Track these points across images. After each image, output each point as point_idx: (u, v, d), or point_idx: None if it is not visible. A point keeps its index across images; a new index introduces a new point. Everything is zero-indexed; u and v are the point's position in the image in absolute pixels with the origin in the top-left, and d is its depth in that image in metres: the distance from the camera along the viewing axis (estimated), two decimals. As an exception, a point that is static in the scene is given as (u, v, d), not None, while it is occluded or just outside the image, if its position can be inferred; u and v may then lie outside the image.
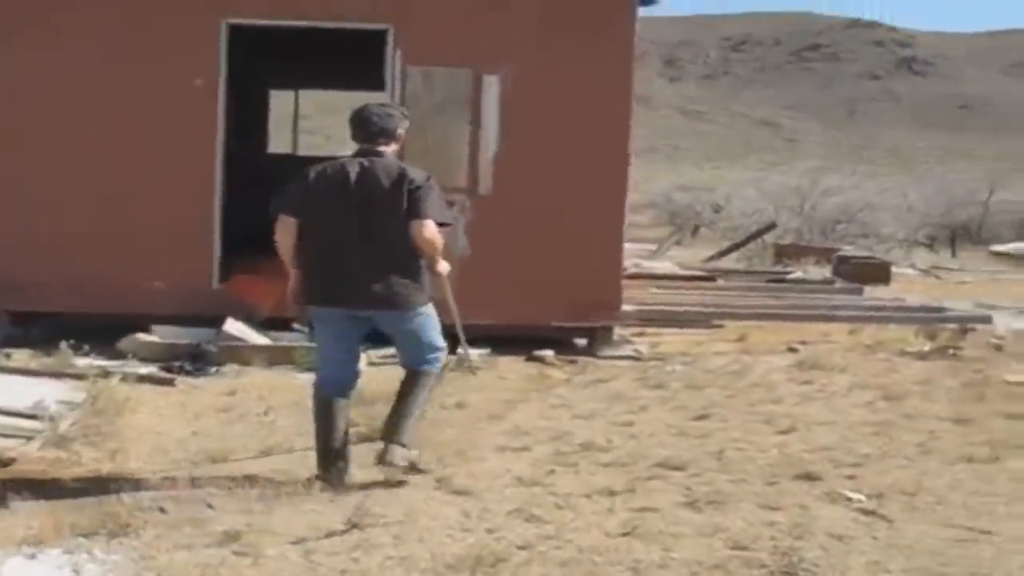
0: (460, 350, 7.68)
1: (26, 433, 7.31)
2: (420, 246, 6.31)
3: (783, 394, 8.98)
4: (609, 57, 10.81)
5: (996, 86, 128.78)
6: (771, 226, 23.20)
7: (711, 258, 20.95)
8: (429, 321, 6.51)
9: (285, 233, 6.35)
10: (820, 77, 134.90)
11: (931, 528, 5.80)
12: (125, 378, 8.99)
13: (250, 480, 6.36)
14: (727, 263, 20.12)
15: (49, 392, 8.37)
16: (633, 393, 9.08)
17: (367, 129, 6.40)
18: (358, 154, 6.38)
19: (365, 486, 6.26)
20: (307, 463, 6.63)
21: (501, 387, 9.18)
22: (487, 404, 8.51)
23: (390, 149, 6.47)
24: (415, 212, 6.25)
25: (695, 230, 28.31)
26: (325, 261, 6.32)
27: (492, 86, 10.68)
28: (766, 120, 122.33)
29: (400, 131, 6.53)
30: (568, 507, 6.05)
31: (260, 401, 8.44)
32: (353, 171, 6.28)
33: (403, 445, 6.34)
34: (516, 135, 10.72)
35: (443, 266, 6.57)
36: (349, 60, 13.73)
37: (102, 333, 10.29)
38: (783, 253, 20.95)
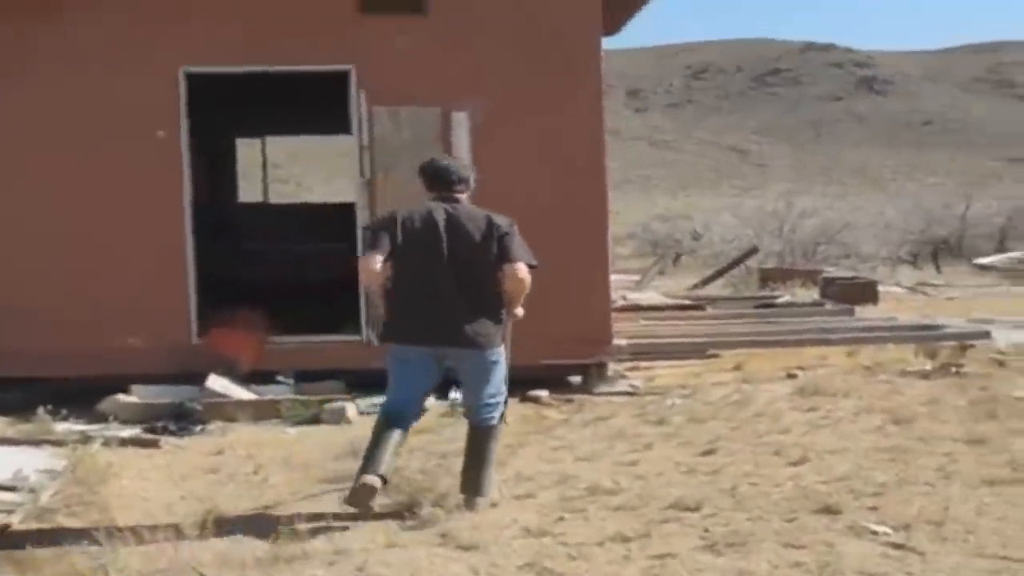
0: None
1: (5, 507, 6.97)
2: (511, 288, 6.72)
3: (789, 423, 8.68)
4: (579, 89, 10.57)
5: (955, 101, 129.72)
6: (753, 251, 23.00)
7: (696, 286, 20.72)
8: (502, 364, 6.92)
9: (371, 271, 6.57)
10: (783, 101, 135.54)
11: (965, 559, 5.52)
12: (107, 442, 8.68)
13: (243, 544, 6.04)
14: (713, 290, 19.90)
15: (28, 461, 8.04)
16: (634, 430, 8.78)
17: (447, 178, 6.84)
18: (439, 200, 6.77)
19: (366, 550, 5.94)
20: (302, 522, 6.32)
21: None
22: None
23: (465, 196, 6.89)
24: (507, 256, 6.65)
25: (676, 258, 28.12)
26: (415, 302, 6.65)
27: (461, 123, 10.40)
28: (734, 146, 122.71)
29: (473, 180, 7.01)
30: (581, 557, 5.74)
31: (249, 459, 8.09)
32: (440, 216, 6.66)
33: (484, 496, 6.68)
34: (490, 172, 10.34)
35: (520, 310, 6.95)
36: (315, 104, 13.49)
37: (82, 396, 9.97)
38: (768, 277, 20.74)
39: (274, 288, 12.56)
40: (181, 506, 6.96)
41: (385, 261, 6.59)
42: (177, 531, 6.43)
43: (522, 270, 6.67)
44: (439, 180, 6.85)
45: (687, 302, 14.83)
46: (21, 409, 9.91)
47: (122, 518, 6.71)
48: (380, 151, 10.25)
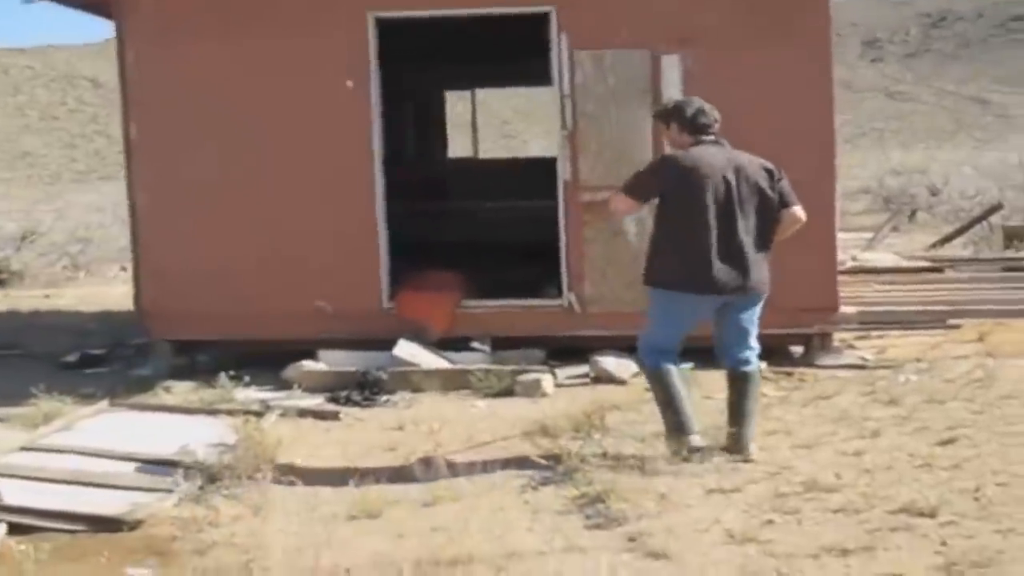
0: None
1: (164, 486, 6.48)
2: (789, 232, 6.87)
3: (1043, 407, 7.55)
4: (804, 25, 9.43)
5: None
6: (997, 207, 21.20)
7: (934, 245, 19.19)
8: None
9: (615, 213, 7.24)
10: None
11: None
12: (285, 413, 8.14)
13: (401, 543, 5.37)
14: (952, 250, 18.40)
15: (200, 432, 7.59)
16: (861, 412, 7.77)
17: (710, 118, 6.78)
18: (706, 143, 6.72)
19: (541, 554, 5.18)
20: (476, 517, 5.62)
21: (707, 408, 7.96)
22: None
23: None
24: (788, 201, 6.80)
25: (912, 215, 26.30)
26: (703, 249, 6.52)
27: (673, 68, 9.44)
28: (974, 96, 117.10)
29: None
30: (792, 572, 4.86)
31: (430, 437, 7.41)
32: (722, 161, 6.64)
33: (753, 441, 6.71)
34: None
35: None
36: (523, 53, 12.75)
37: (271, 360, 9.52)
38: (1014, 235, 19.03)
39: (474, 248, 11.88)
40: (348, 493, 6.31)
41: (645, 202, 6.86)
42: (340, 522, 5.83)
43: (802, 213, 6.85)
44: (700, 122, 6.76)
45: (924, 264, 13.52)
46: (210, 372, 9.52)
47: (283, 505, 6.13)
48: (583, 99, 9.41)
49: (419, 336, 9.42)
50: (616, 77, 9.42)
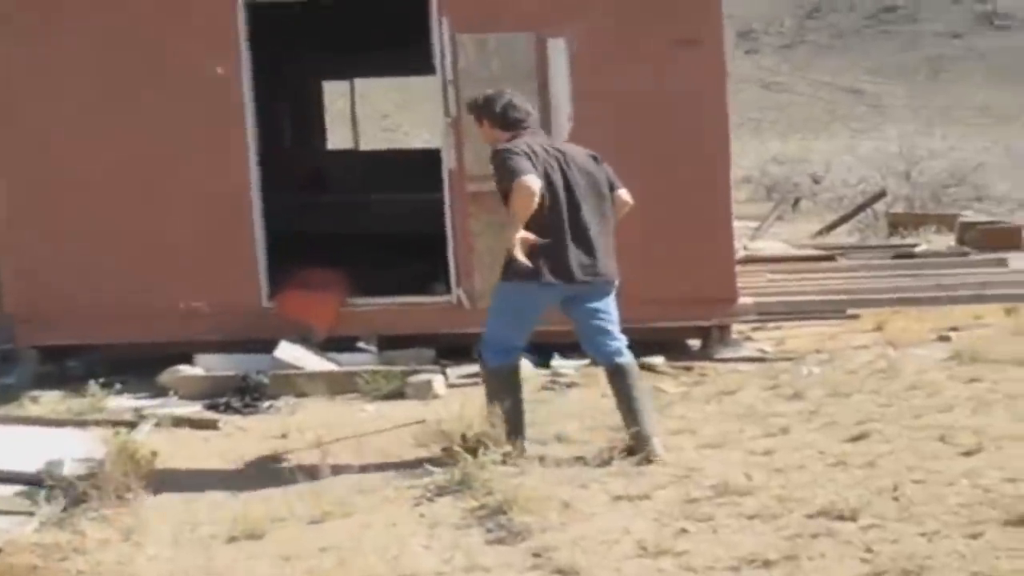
0: None
1: (27, 508, 5.95)
2: (621, 213, 6.70)
3: (950, 399, 7.32)
4: (698, 13, 9.15)
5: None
6: (881, 194, 21.27)
7: (820, 233, 19.15)
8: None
9: (530, 197, 6.03)
10: (900, 39, 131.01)
11: None
12: (160, 422, 7.61)
13: (276, 565, 4.92)
14: (838, 238, 18.36)
15: (69, 446, 7.03)
16: (767, 407, 7.48)
17: (520, 112, 6.46)
18: (524, 136, 6.38)
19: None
20: (369, 534, 5.19)
21: (605, 408, 7.63)
22: (592, 433, 6.97)
23: None
24: (616, 185, 6.64)
25: (795, 203, 26.35)
26: (559, 237, 6.26)
27: (559, 51, 9.07)
28: (848, 87, 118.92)
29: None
30: (712, 588, 4.52)
31: (316, 446, 6.95)
32: (553, 150, 6.41)
33: (656, 435, 6.38)
34: (593, 109, 9.11)
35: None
36: (404, 42, 12.31)
37: (145, 365, 8.98)
38: (898, 223, 19.05)
39: (358, 243, 11.42)
40: (229, 507, 5.85)
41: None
42: (221, 543, 5.36)
43: (629, 196, 6.72)
44: (511, 116, 6.45)
45: (816, 252, 13.37)
46: (81, 379, 8.95)
47: (157, 526, 5.64)
48: (466, 86, 8.98)
49: (303, 337, 8.94)
50: (500, 61, 9.02)
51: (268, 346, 8.84)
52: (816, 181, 27.91)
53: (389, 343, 9.16)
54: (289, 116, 15.11)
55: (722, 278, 9.26)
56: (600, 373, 8.48)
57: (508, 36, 8.99)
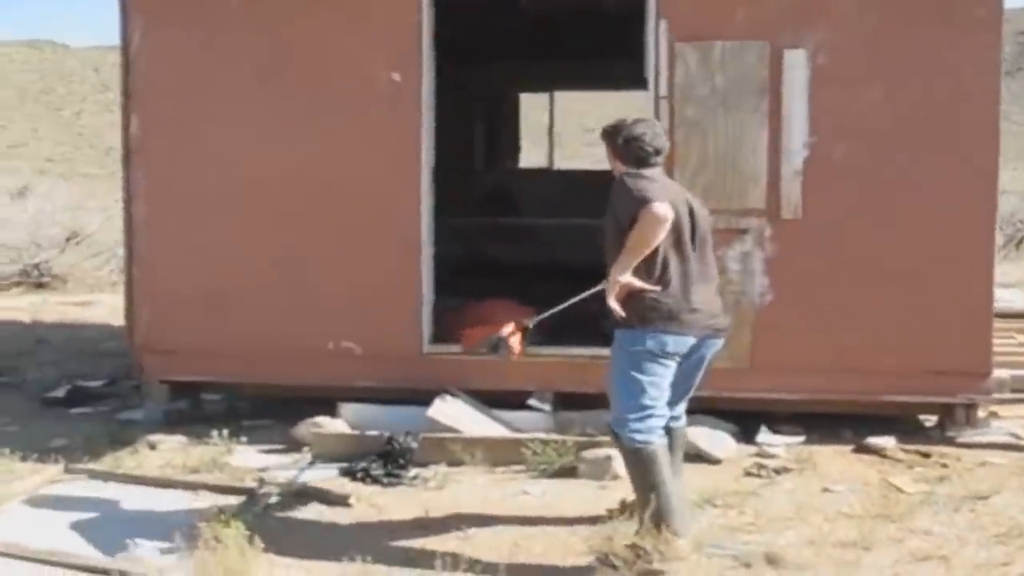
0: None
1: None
2: None
3: None
4: (966, 25, 7.51)
5: None
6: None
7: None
8: None
9: (660, 224, 5.15)
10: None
11: None
12: (282, 492, 6.36)
13: None
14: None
15: (168, 518, 5.85)
16: (1036, 524, 5.84)
17: (649, 148, 5.49)
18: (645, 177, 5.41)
19: None
20: None
21: (827, 511, 6.10)
22: (810, 554, 5.43)
23: None
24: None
25: (1021, 242, 24.04)
26: (687, 284, 5.37)
27: (798, 65, 7.57)
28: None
29: None
30: None
31: (463, 541, 5.59)
32: (680, 192, 5.56)
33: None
34: (834, 134, 7.59)
35: None
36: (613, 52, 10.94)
37: (287, 407, 7.94)
38: None
39: (540, 273, 10.02)
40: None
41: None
42: None
43: None
44: (637, 153, 5.48)
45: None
46: (216, 419, 8.01)
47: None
48: (682, 102, 7.56)
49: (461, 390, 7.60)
50: (726, 75, 7.56)
51: (426, 397, 7.57)
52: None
53: (566, 402, 7.75)
54: (478, 132, 13.86)
55: (973, 344, 7.58)
56: (819, 456, 7.05)
57: (737, 45, 7.52)
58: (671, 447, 5.50)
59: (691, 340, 5.37)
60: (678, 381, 5.47)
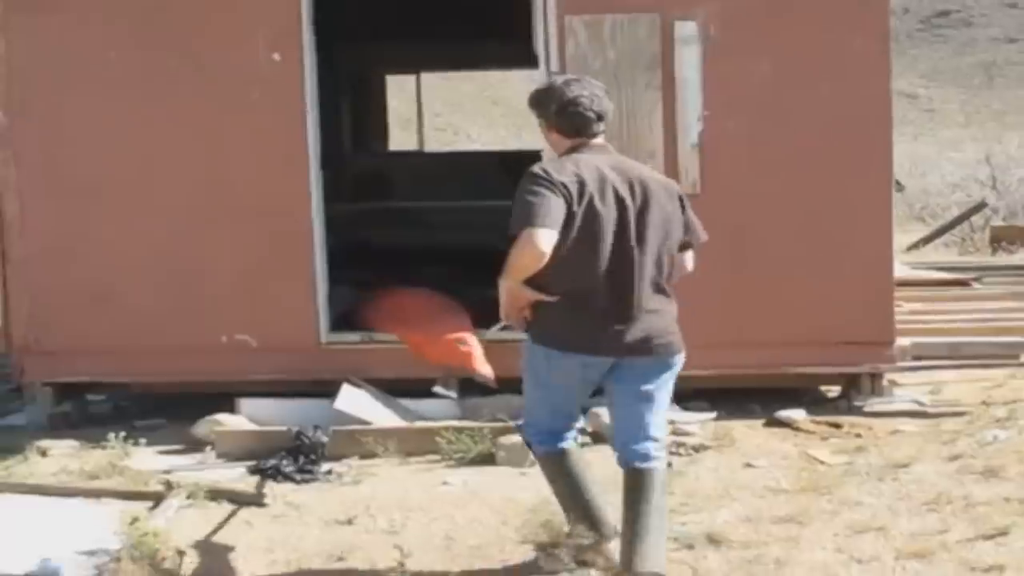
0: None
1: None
2: (673, 279, 4.78)
3: None
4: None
5: None
6: (981, 205, 19.52)
7: (915, 246, 17.47)
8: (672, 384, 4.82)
9: (534, 260, 4.35)
10: (954, 44, 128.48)
11: None
12: (192, 494, 6.06)
13: None
14: (936, 253, 16.67)
15: (75, 528, 5.55)
16: (960, 489, 5.84)
17: (594, 113, 4.67)
18: (586, 150, 4.66)
19: None
20: None
21: (754, 487, 6.05)
22: (749, 531, 5.36)
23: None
24: (690, 241, 4.86)
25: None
26: (593, 297, 4.54)
27: (689, 37, 7.50)
28: (901, 91, 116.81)
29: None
30: None
31: (391, 537, 5.39)
32: (616, 178, 4.58)
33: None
34: (729, 107, 7.54)
35: None
36: (486, 32, 10.74)
37: (180, 406, 7.60)
38: (1000, 237, 17.34)
39: (429, 258, 9.85)
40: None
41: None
42: None
43: (692, 264, 4.96)
44: (574, 120, 4.67)
45: (945, 276, 11.61)
46: (104, 421, 7.69)
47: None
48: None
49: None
50: (617, 49, 7.45)
51: (326, 389, 7.33)
52: (898, 189, 26.07)
53: (472, 387, 7.58)
54: (349, 114, 13.53)
55: (876, 315, 7.62)
56: (735, 432, 7.01)
57: (628, 18, 7.41)
58: (631, 489, 4.68)
59: (599, 360, 4.65)
60: (616, 407, 4.83)
